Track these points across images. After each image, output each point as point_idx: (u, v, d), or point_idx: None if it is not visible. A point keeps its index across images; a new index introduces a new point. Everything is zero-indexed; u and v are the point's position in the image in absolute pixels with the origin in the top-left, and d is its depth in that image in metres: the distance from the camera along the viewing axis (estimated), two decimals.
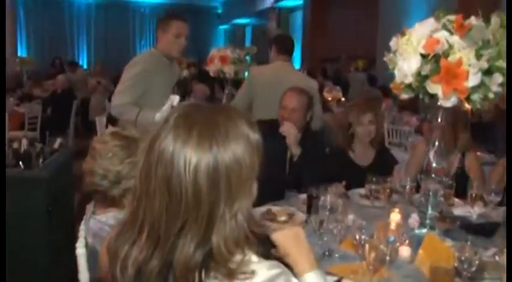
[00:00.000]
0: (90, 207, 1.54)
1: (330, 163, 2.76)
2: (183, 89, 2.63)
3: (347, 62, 10.76)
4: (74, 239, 3.54)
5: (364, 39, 10.42)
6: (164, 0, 17.53)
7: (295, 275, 1.04)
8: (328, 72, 11.18)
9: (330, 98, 7.42)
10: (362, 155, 2.82)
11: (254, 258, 0.90)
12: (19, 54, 13.70)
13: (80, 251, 1.41)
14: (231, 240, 0.87)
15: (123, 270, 0.89)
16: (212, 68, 4.11)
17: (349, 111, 2.90)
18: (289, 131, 2.71)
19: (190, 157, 0.84)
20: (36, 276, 2.80)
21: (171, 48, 2.93)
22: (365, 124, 2.74)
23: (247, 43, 17.00)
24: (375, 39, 9.18)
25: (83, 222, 1.53)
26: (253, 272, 0.87)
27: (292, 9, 15.11)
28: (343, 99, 7.67)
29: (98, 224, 1.40)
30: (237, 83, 4.72)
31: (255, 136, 0.91)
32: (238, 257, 0.88)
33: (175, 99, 2.60)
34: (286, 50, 3.59)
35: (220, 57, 4.05)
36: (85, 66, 15.02)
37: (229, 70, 4.03)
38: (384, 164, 2.74)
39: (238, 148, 0.87)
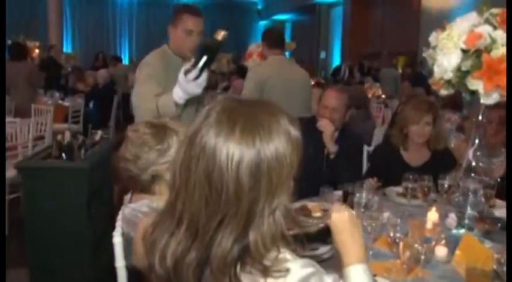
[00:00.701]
0: (127, 197, 1.60)
1: (379, 160, 2.73)
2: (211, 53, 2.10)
3: (387, 58, 10.57)
4: (112, 228, 3.66)
5: (406, 35, 10.21)
6: None
7: (342, 265, 1.04)
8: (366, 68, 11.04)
9: (369, 95, 7.32)
10: (415, 155, 2.73)
11: (289, 255, 0.90)
12: (64, 50, 14.13)
13: (117, 239, 1.45)
14: (268, 237, 0.87)
15: (162, 260, 0.90)
16: (250, 63, 4.12)
17: (405, 108, 2.80)
18: (326, 127, 2.70)
19: (233, 153, 0.84)
20: (78, 263, 2.90)
21: (182, 46, 2.56)
22: (421, 124, 2.65)
23: (287, 39, 16.97)
24: (417, 35, 8.98)
25: (120, 212, 1.58)
26: (287, 270, 0.87)
27: (332, 5, 14.97)
28: (383, 96, 7.55)
29: (131, 211, 1.46)
30: None
31: (296, 133, 0.91)
32: (273, 254, 0.88)
33: (193, 62, 2.17)
34: (276, 44, 3.53)
35: (258, 52, 4.07)
36: (126, 61, 15.36)
37: None
38: (438, 167, 2.54)
39: (280, 145, 0.87)
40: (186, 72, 2.12)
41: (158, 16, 17.53)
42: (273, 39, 3.55)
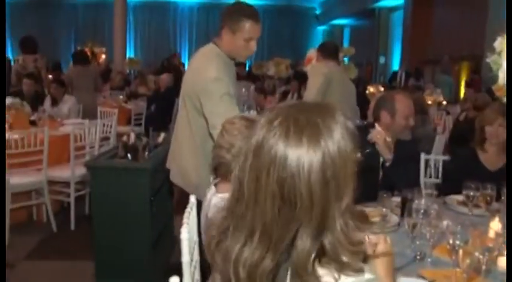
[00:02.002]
0: (212, 185, 1.68)
1: (457, 162, 2.70)
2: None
3: (450, 63, 10.24)
4: (172, 226, 3.76)
5: (470, 39, 9.86)
6: (263, 2, 17.81)
7: None
8: (426, 74, 10.74)
9: (430, 102, 7.12)
10: (492, 158, 2.73)
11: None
12: (127, 55, 14.68)
13: (184, 235, 1.51)
14: (342, 236, 0.89)
15: (236, 271, 0.91)
16: (309, 68, 4.14)
17: (483, 112, 2.82)
18: (377, 137, 2.66)
19: (303, 161, 0.86)
20: (139, 259, 3.03)
21: (239, 53, 2.46)
22: (495, 125, 2.66)
23: (345, 44, 16.81)
24: (482, 39, 8.65)
25: (187, 210, 1.67)
26: (361, 269, 0.90)
27: (392, 9, 14.69)
28: (444, 102, 7.34)
29: (220, 201, 1.54)
30: None
31: (353, 129, 0.93)
32: (347, 252, 0.89)
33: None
34: (330, 55, 3.73)
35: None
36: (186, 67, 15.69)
37: None
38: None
39: (342, 143, 0.89)
40: None
41: (218, 20, 17.86)
42: (328, 50, 3.74)
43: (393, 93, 2.95)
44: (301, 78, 7.07)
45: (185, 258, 1.52)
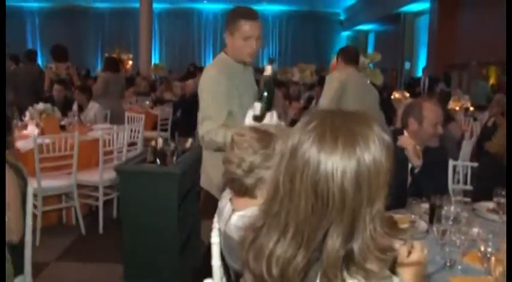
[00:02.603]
0: (225, 202, 1.64)
1: (485, 169, 2.67)
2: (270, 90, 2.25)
3: (477, 69, 10.09)
4: (199, 230, 3.79)
5: (497, 44, 9.70)
6: (286, 8, 17.89)
7: None
8: (452, 79, 10.58)
9: (457, 108, 7.03)
10: None
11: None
12: (153, 61, 14.89)
13: (215, 239, 1.53)
14: (371, 243, 0.91)
15: (269, 268, 0.94)
16: (335, 75, 4.13)
17: None
18: (406, 143, 2.66)
19: (337, 165, 0.88)
20: (167, 262, 3.07)
21: (241, 53, 2.46)
22: None
23: (370, 49, 16.72)
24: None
25: (216, 215, 1.67)
26: (388, 277, 0.92)
27: (417, 14, 14.56)
28: (471, 108, 7.23)
29: (241, 219, 1.47)
30: None
31: (388, 140, 0.94)
32: (375, 259, 0.91)
33: (257, 107, 2.25)
34: (351, 60, 3.73)
35: None
36: None
37: None
38: None
39: (377, 153, 0.91)
40: (256, 119, 2.21)
41: None
42: (349, 56, 3.75)
43: (421, 100, 2.93)
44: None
45: (215, 261, 1.55)
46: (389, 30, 16.42)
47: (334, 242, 0.89)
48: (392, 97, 7.76)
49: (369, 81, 4.26)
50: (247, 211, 1.45)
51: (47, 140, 4.15)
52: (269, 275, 0.94)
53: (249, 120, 2.24)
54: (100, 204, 4.35)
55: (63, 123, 5.21)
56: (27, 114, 4.96)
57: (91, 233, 4.33)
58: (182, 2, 17.15)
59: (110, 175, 4.39)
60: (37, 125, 4.75)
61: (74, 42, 16.51)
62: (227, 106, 2.39)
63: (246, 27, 2.39)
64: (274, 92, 2.27)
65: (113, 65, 7.07)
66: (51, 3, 17.29)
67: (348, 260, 0.91)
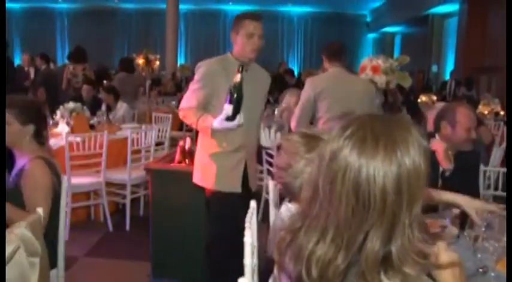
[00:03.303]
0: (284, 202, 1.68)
1: None
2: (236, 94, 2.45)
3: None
4: None
5: None
6: (312, 9, 17.85)
7: None
8: (482, 83, 10.39)
9: (486, 112, 6.91)
10: None
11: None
12: (178, 62, 15.01)
13: (248, 239, 1.55)
14: (409, 245, 0.91)
15: (308, 269, 0.95)
16: (363, 78, 4.12)
17: None
18: (438, 147, 2.64)
19: (379, 169, 0.89)
20: (194, 260, 3.10)
21: (244, 49, 2.73)
22: None
23: (396, 51, 16.55)
24: None
25: (248, 215, 1.70)
26: (428, 281, 0.92)
27: (446, 15, 14.35)
28: (502, 112, 7.09)
29: (287, 210, 1.53)
30: (385, 92, 4.69)
31: (426, 144, 0.95)
32: (412, 262, 0.92)
33: (228, 109, 2.45)
34: (335, 56, 3.56)
35: (372, 66, 4.06)
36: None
37: (380, 80, 4.02)
38: None
39: (416, 157, 0.91)
40: (228, 119, 2.46)
41: (267, 28, 17.98)
42: (332, 51, 3.60)
43: (455, 104, 2.90)
44: None
45: (247, 260, 1.56)
46: (417, 32, 16.22)
47: (373, 245, 0.90)
48: (419, 100, 7.67)
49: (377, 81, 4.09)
50: (294, 205, 1.49)
51: (78, 138, 4.23)
52: (308, 276, 0.94)
53: (221, 120, 2.48)
54: (127, 202, 4.42)
55: (92, 122, 5.31)
56: (58, 113, 5.07)
57: (118, 230, 4.40)
58: (208, 3, 17.28)
59: (137, 174, 4.46)
60: (67, 124, 4.86)
61: (101, 42, 16.84)
62: (208, 95, 2.69)
63: (250, 25, 2.71)
64: (242, 96, 2.46)
65: (128, 65, 7.23)
66: (79, 4, 17.62)
67: (386, 263, 0.91)
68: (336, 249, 0.93)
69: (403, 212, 0.90)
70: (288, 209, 1.56)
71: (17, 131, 2.31)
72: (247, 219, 1.69)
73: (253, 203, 1.93)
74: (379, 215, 0.90)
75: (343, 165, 0.92)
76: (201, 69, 2.76)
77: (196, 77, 2.78)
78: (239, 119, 2.49)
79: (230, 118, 2.47)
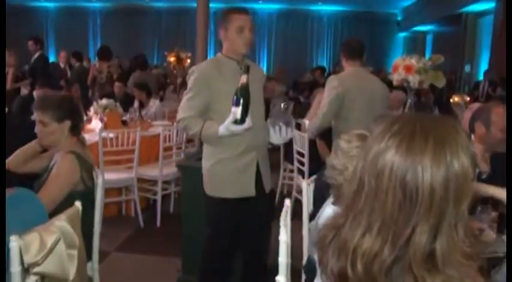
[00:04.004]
0: (330, 197, 1.67)
1: None
2: (243, 96, 2.35)
3: None
4: None
5: None
6: (342, 8, 17.71)
7: None
8: None
9: None
10: None
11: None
12: None
13: (283, 238, 1.56)
14: (453, 245, 0.91)
15: (353, 263, 0.94)
16: (396, 77, 4.04)
17: None
18: (473, 148, 2.59)
19: (427, 167, 0.89)
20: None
21: (236, 45, 2.60)
22: None
23: (428, 50, 16.28)
24: None
25: (283, 213, 1.70)
26: None
27: (480, 14, 14.01)
28: None
29: (334, 213, 1.51)
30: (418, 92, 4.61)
31: (472, 147, 0.94)
32: (456, 263, 0.91)
33: (236, 112, 2.37)
34: (352, 54, 3.51)
35: (405, 66, 3.97)
36: (264, 72, 15.87)
37: (413, 80, 3.94)
38: None
39: (465, 159, 0.90)
40: (236, 122, 2.38)
41: (297, 27, 17.96)
42: (352, 50, 3.54)
43: (490, 104, 2.84)
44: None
45: (282, 259, 1.57)
46: (449, 31, 15.90)
47: (421, 239, 0.90)
48: (451, 101, 7.53)
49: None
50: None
51: (111, 134, 4.31)
52: (353, 270, 0.94)
53: (229, 125, 2.40)
54: (158, 198, 4.47)
55: (124, 118, 5.40)
56: (92, 109, 5.18)
57: (149, 226, 4.47)
58: (237, 2, 17.35)
59: (168, 170, 4.52)
60: (101, 120, 4.95)
61: (132, 40, 17.07)
62: (205, 102, 2.59)
63: (239, 19, 2.58)
64: (249, 98, 2.39)
65: (143, 63, 7.35)
66: (112, 2, 17.90)
67: (430, 262, 0.91)
68: (382, 242, 0.92)
69: (450, 210, 0.90)
70: (334, 211, 1.54)
71: (55, 130, 2.37)
72: (282, 217, 1.69)
73: (287, 202, 1.93)
74: (426, 210, 0.89)
75: (390, 162, 0.91)
76: (194, 75, 2.62)
77: (189, 84, 2.64)
78: (249, 121, 2.41)
79: (239, 121, 2.39)
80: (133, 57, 8.32)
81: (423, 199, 0.89)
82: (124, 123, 5.28)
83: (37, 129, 2.39)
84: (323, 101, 3.48)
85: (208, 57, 15.07)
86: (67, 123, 2.40)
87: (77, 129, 2.48)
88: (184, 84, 9.82)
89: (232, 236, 2.75)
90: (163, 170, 4.45)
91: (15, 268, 1.55)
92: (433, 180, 0.88)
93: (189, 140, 5.04)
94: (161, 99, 8.30)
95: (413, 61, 4.05)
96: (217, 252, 2.76)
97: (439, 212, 0.89)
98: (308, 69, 14.20)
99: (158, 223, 4.48)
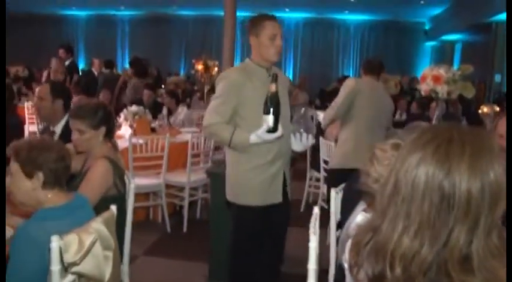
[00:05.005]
0: (360, 205, 1.70)
1: None
2: (275, 104, 2.38)
3: None
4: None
5: None
6: (369, 17, 17.64)
7: None
8: None
9: None
10: None
11: None
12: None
13: (313, 244, 1.59)
14: (488, 252, 0.93)
15: (392, 264, 0.96)
16: (424, 87, 4.04)
17: None
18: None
19: (464, 174, 0.91)
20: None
21: (267, 53, 2.61)
22: None
23: (456, 60, 16.07)
24: None
25: (312, 220, 1.73)
26: None
27: None
28: None
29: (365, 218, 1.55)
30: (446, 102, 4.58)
31: (504, 160, 0.97)
32: (491, 269, 0.93)
33: (269, 120, 2.40)
34: (371, 72, 3.85)
35: (433, 76, 3.97)
36: (290, 79, 15.95)
37: (442, 90, 3.93)
38: None
39: (499, 170, 0.93)
40: (269, 131, 2.41)
41: (323, 36, 17.96)
42: (370, 68, 3.88)
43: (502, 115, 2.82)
44: (410, 96, 6.91)
45: (312, 265, 1.60)
46: (479, 40, 15.67)
47: (457, 243, 0.92)
48: (480, 111, 7.43)
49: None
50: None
51: (141, 141, 4.40)
52: (392, 272, 0.96)
53: (262, 133, 2.42)
54: (186, 204, 4.54)
55: (153, 125, 5.50)
56: (122, 115, 5.29)
57: (176, 231, 4.53)
58: (264, 10, 17.45)
59: (196, 177, 4.58)
60: (130, 126, 5.06)
61: (158, 48, 17.35)
62: (234, 108, 2.58)
63: (271, 26, 2.59)
64: (280, 106, 2.43)
65: (142, 71, 7.46)
66: (140, 11, 18.24)
67: (466, 265, 0.93)
68: (420, 244, 0.94)
69: (485, 216, 0.92)
70: (367, 218, 1.57)
71: (91, 137, 2.45)
72: (312, 224, 1.72)
73: (316, 209, 1.95)
74: (462, 215, 0.92)
75: (427, 167, 0.94)
76: (223, 82, 2.63)
77: (218, 90, 2.63)
78: (280, 129, 2.43)
79: (272, 130, 2.41)
80: (129, 63, 8.50)
81: (460, 204, 0.91)
82: (152, 130, 5.38)
83: (73, 136, 2.47)
84: (339, 95, 3.75)
85: (235, 65, 15.16)
86: (102, 130, 2.48)
87: (110, 134, 2.57)
88: (211, 92, 9.95)
89: (257, 242, 2.78)
90: (190, 177, 4.52)
91: (55, 267, 1.61)
92: (470, 187, 0.91)
93: (217, 148, 5.10)
94: (188, 107, 8.42)
95: (441, 71, 4.05)
96: (244, 257, 2.79)
97: (475, 217, 0.92)
98: (334, 78, 14.17)
99: (185, 228, 4.55)
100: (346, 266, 1.16)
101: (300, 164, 5.12)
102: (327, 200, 3.57)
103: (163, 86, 9.85)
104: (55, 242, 1.59)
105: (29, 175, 1.80)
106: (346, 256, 1.18)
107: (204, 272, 3.54)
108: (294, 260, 2.86)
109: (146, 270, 3.72)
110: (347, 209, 2.11)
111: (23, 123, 6.80)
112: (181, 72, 16.77)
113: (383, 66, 3.95)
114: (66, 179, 1.90)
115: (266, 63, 2.66)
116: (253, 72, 2.64)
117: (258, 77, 2.63)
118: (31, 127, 7.65)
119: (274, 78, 2.43)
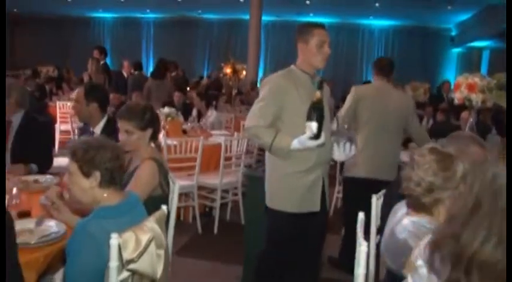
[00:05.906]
0: (397, 209, 1.77)
1: None
2: (319, 111, 2.42)
3: None
4: None
5: None
6: (394, 22, 17.55)
7: None
8: None
9: None
10: None
11: None
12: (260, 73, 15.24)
13: (363, 248, 1.63)
14: None
15: (468, 270, 1.02)
16: (458, 95, 4.04)
17: None
18: None
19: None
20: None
21: (314, 60, 2.65)
22: None
23: (483, 67, 15.86)
24: None
25: (358, 225, 1.78)
26: None
27: None
28: None
29: (412, 224, 1.61)
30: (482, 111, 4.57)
31: None
32: None
33: (313, 127, 2.41)
34: (381, 71, 3.79)
35: (467, 84, 3.98)
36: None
37: (476, 98, 3.93)
38: None
39: None
40: (312, 138, 2.42)
41: (347, 41, 17.92)
42: (380, 66, 3.83)
43: None
44: (436, 103, 6.87)
45: (361, 270, 1.63)
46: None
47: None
48: None
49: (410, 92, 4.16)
50: (420, 219, 1.55)
51: (175, 142, 4.48)
52: (467, 277, 1.02)
53: (305, 140, 2.44)
54: (217, 206, 4.60)
55: (184, 127, 5.58)
56: None
57: (206, 232, 4.60)
58: (289, 15, 17.49)
59: (227, 179, 4.64)
60: (163, 128, 5.14)
61: (183, 51, 17.52)
62: (276, 112, 2.61)
63: (320, 33, 2.64)
64: (323, 113, 2.45)
65: (157, 72, 7.51)
66: (165, 14, 18.45)
67: None
68: (499, 253, 0.99)
69: None
70: (413, 222, 1.62)
71: (139, 137, 2.53)
72: (358, 229, 1.76)
73: (361, 215, 1.99)
74: None
75: (507, 182, 0.99)
76: (269, 85, 2.66)
77: (263, 93, 2.66)
78: (323, 137, 2.45)
79: (315, 137, 2.43)
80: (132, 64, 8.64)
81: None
82: (184, 131, 5.46)
83: (121, 137, 2.55)
84: (344, 104, 3.82)
85: (260, 69, 15.18)
86: (149, 131, 2.56)
87: (155, 136, 2.64)
88: (238, 95, 10.03)
89: (290, 249, 2.79)
90: (225, 179, 4.58)
91: (113, 263, 1.68)
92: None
93: (248, 151, 5.16)
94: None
95: (476, 80, 4.05)
96: (272, 263, 2.80)
97: None
98: (357, 83, 14.09)
99: (215, 230, 4.61)
100: (419, 262, 1.21)
101: (329, 169, 5.14)
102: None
103: (188, 89, 9.96)
104: (115, 239, 1.66)
105: (87, 174, 1.87)
106: (419, 252, 1.24)
107: (236, 274, 3.60)
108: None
109: (178, 270, 3.77)
110: (387, 215, 2.14)
111: (53, 121, 6.98)
112: (205, 74, 16.88)
113: (393, 65, 3.89)
114: (120, 177, 1.97)
115: (311, 70, 2.70)
116: (297, 78, 2.67)
117: (302, 83, 2.66)
118: (63, 126, 7.84)
119: (320, 85, 2.47)
